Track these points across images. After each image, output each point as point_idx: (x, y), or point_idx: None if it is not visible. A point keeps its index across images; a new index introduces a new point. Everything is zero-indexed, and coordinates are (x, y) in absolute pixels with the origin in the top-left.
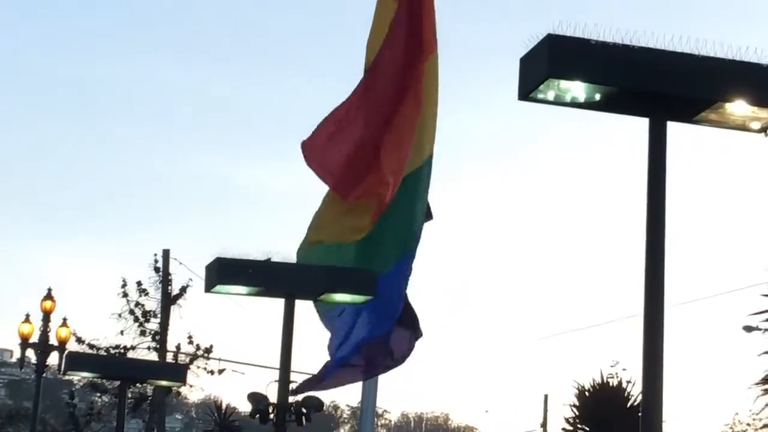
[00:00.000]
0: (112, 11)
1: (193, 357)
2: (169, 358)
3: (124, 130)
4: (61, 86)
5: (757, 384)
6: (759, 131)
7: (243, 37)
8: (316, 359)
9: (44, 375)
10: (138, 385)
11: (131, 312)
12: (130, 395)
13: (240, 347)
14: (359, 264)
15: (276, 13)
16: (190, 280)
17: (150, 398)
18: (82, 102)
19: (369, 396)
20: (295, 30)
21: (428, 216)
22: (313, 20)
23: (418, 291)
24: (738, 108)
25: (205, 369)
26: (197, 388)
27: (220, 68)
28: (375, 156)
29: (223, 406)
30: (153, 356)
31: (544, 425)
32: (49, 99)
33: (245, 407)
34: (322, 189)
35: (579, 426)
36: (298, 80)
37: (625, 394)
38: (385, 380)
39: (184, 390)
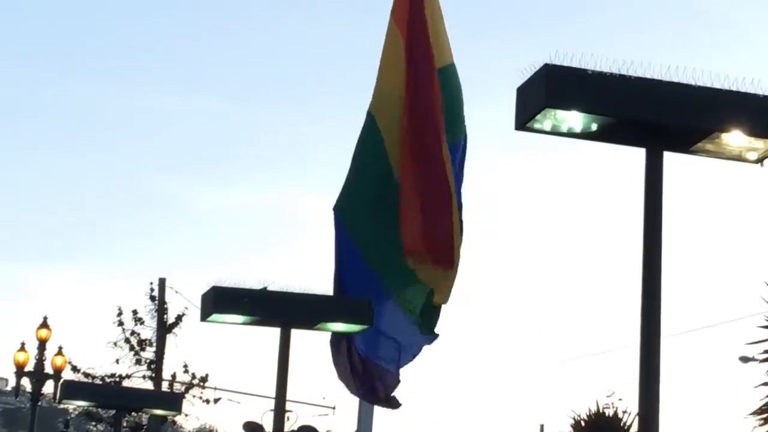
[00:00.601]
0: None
1: (189, 386)
2: (165, 387)
3: (121, 157)
4: (62, 114)
5: (753, 414)
6: (756, 162)
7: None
8: (311, 389)
9: (39, 403)
10: (133, 414)
11: (127, 341)
12: (125, 424)
13: (236, 376)
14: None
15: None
16: (186, 308)
17: (145, 427)
18: (81, 129)
19: (366, 422)
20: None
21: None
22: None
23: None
24: (735, 138)
25: (200, 398)
26: (193, 417)
27: (224, 97)
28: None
29: None
30: (148, 385)
31: None
32: (48, 124)
33: None
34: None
35: None
36: (299, 113)
37: (621, 425)
38: (381, 409)
39: (179, 419)
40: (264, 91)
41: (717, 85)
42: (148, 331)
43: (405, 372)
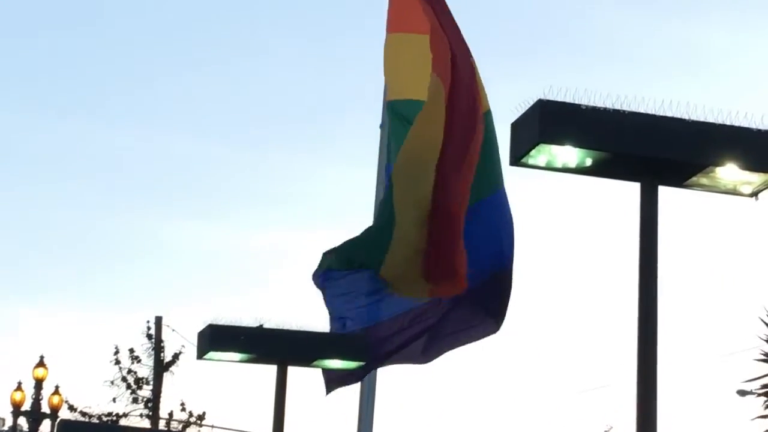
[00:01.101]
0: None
1: (186, 424)
2: (162, 425)
3: (115, 196)
4: (53, 153)
5: None
6: (750, 195)
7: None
8: (308, 426)
9: None
10: None
11: (123, 379)
12: None
13: (233, 414)
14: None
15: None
16: (183, 346)
17: None
18: (72, 168)
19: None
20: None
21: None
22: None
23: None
24: (729, 172)
25: None
26: None
27: (220, 136)
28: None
29: None
30: (145, 423)
31: None
32: (39, 164)
33: None
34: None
35: None
36: (299, 150)
37: None
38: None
39: None
40: (262, 129)
41: (711, 120)
42: (144, 370)
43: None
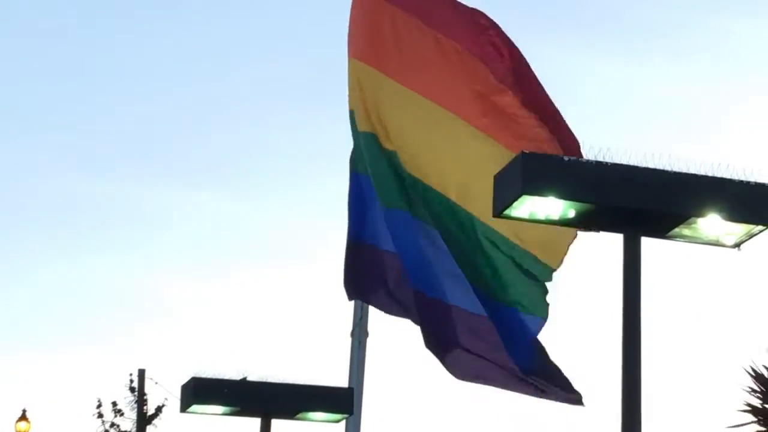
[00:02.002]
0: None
1: None
2: None
3: (98, 252)
4: (42, 207)
5: None
6: (733, 246)
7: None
8: None
9: None
10: None
11: None
12: None
13: None
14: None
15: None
16: (166, 399)
17: None
18: (55, 225)
19: None
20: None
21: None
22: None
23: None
24: (711, 223)
25: None
26: None
27: (200, 189)
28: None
29: None
30: None
31: None
32: (29, 216)
33: None
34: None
35: None
36: (275, 206)
37: None
38: None
39: None
40: (241, 183)
41: (693, 171)
42: (128, 423)
43: None
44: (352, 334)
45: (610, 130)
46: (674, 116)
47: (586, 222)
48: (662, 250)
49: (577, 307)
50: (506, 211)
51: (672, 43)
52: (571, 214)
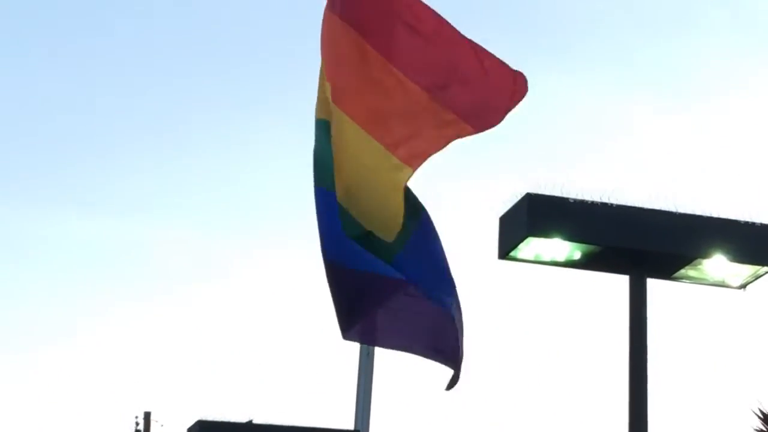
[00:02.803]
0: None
1: None
2: None
3: (100, 289)
4: (37, 246)
5: None
6: (739, 288)
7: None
8: None
9: None
10: None
11: None
12: None
13: None
14: None
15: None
16: None
17: None
18: (54, 261)
19: None
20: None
21: None
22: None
23: None
24: (717, 265)
25: None
26: None
27: (197, 226)
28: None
29: None
30: None
31: None
32: (26, 261)
33: None
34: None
35: None
36: (278, 245)
37: None
38: None
39: None
40: (241, 221)
41: (698, 212)
42: None
43: None
44: (358, 374)
45: (615, 171)
46: (679, 157)
47: (591, 264)
48: (668, 291)
49: (584, 349)
50: (512, 253)
51: (678, 84)
52: (577, 255)
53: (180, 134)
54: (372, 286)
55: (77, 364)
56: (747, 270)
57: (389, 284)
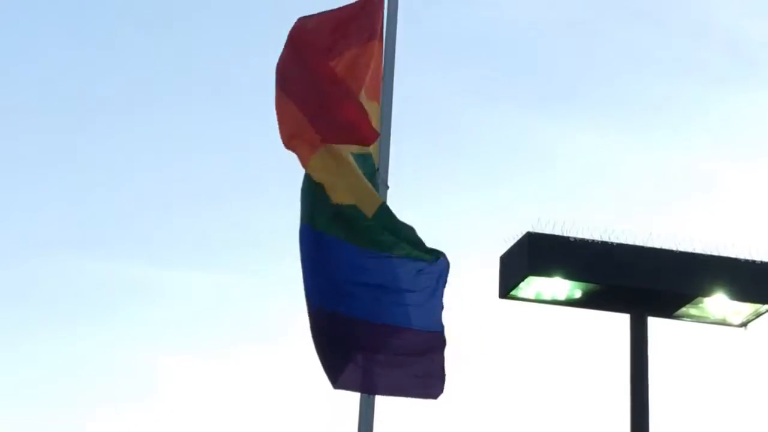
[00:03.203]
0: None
1: None
2: None
3: (104, 333)
4: (41, 289)
5: None
6: (740, 326)
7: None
8: None
9: None
10: None
11: None
12: None
13: None
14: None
15: None
16: None
17: None
18: (52, 300)
19: None
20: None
21: None
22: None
23: None
24: (718, 303)
25: None
26: None
27: (200, 270)
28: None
29: None
30: None
31: None
32: (20, 294)
33: None
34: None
35: None
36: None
37: None
38: None
39: None
40: (239, 260)
41: (698, 250)
42: None
43: None
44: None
45: (615, 209)
46: (679, 194)
47: (592, 302)
48: (669, 329)
49: (585, 387)
50: (512, 292)
51: (674, 120)
52: (578, 294)
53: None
54: (357, 332)
55: (67, 397)
56: (748, 308)
57: (375, 330)
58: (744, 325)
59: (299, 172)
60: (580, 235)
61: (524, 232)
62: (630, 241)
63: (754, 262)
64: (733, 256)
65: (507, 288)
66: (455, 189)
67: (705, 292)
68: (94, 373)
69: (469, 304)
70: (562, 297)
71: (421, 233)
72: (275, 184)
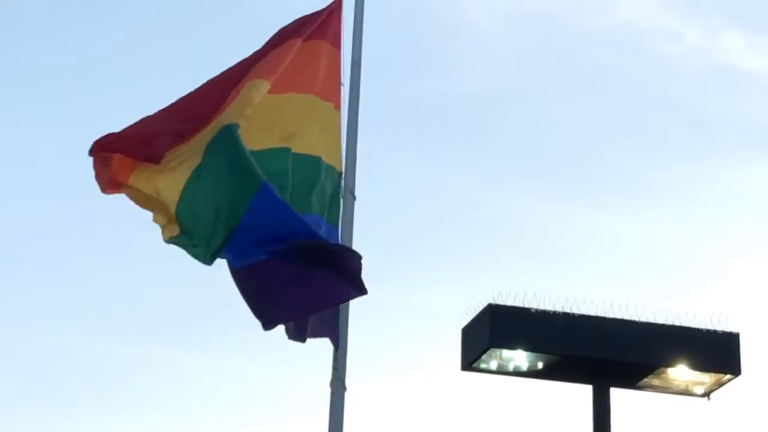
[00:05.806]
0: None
1: None
2: None
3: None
4: (41, 364)
5: None
6: (702, 396)
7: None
8: None
9: None
10: None
11: None
12: None
13: None
14: None
15: None
16: None
17: None
18: (63, 383)
19: None
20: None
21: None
22: None
23: None
24: (680, 373)
25: None
26: None
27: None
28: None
29: None
30: None
31: None
32: (30, 376)
33: None
34: None
35: None
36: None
37: None
38: None
39: None
40: (242, 336)
41: (659, 320)
42: None
43: None
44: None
45: (576, 280)
46: (640, 265)
47: (554, 373)
48: (632, 400)
49: None
50: (474, 365)
51: (634, 190)
52: (540, 365)
53: None
54: (264, 274)
55: None
56: (710, 378)
57: (276, 266)
58: (707, 395)
59: None
60: (541, 306)
61: (486, 304)
62: (592, 312)
63: (715, 331)
64: (694, 326)
65: (469, 360)
66: (416, 261)
67: (667, 363)
68: None
69: (431, 377)
70: (524, 368)
71: (383, 305)
72: None
